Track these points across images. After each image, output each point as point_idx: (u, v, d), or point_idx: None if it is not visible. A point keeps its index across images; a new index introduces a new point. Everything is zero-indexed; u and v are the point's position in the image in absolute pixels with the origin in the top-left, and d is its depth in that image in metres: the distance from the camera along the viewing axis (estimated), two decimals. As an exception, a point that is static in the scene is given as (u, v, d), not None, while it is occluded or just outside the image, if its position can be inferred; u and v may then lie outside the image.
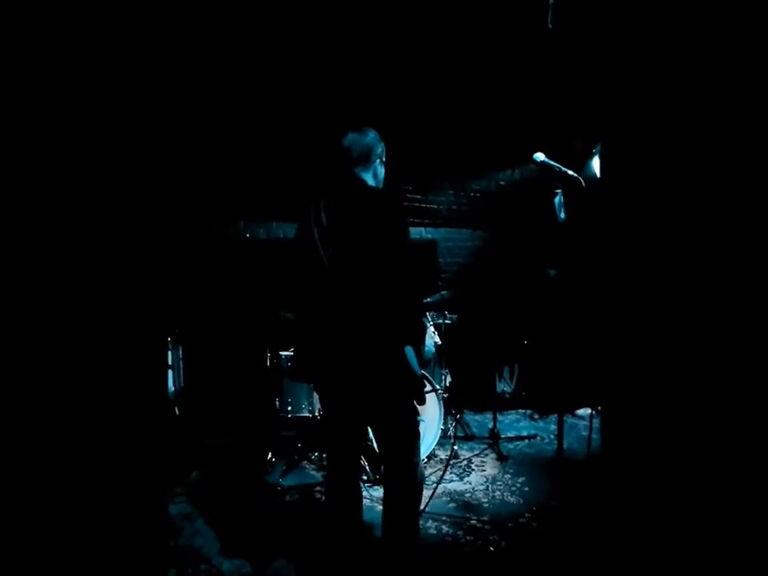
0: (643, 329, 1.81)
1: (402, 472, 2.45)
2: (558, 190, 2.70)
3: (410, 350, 2.31)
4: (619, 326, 1.91)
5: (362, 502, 2.57)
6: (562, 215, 2.68)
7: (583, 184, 2.52)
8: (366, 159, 2.46)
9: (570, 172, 2.62)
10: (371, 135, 2.49)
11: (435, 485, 3.49)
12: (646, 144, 1.76)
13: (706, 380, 1.62)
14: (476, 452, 4.33)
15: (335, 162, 2.52)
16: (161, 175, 1.85)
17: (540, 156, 2.75)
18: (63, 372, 1.52)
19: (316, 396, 4.14)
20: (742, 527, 1.56)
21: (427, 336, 3.98)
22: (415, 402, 2.43)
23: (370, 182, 2.47)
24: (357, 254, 2.29)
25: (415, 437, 2.47)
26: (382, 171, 2.54)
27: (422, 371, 2.66)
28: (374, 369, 2.31)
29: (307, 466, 4.07)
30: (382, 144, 2.53)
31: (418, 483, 2.52)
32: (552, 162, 2.70)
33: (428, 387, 3.92)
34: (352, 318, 2.27)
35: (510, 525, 3.13)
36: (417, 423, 2.49)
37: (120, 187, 1.64)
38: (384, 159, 2.54)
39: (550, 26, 4.33)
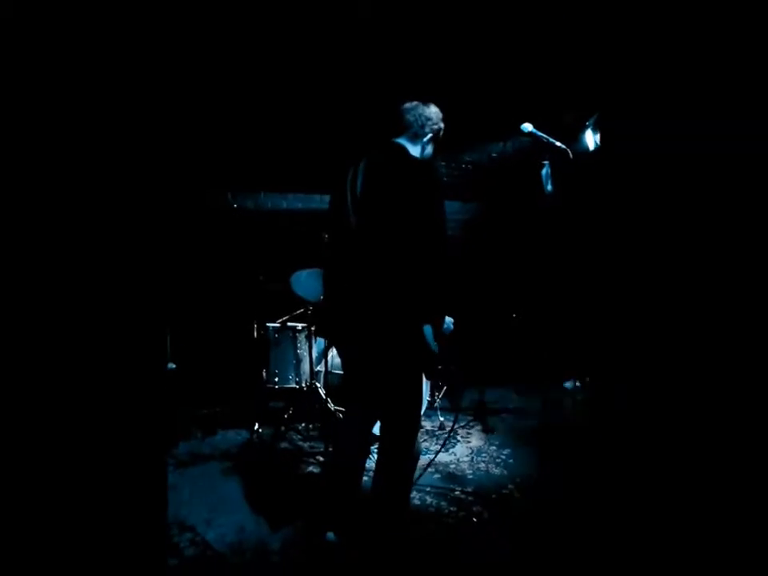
0: (636, 306, 1.80)
1: (403, 440, 2.45)
2: (546, 162, 2.66)
3: (428, 329, 2.28)
4: (613, 304, 1.90)
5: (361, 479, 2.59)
6: (549, 187, 2.65)
7: (571, 155, 2.49)
8: (419, 130, 2.38)
9: (558, 143, 2.58)
10: (434, 110, 2.41)
11: (431, 457, 3.51)
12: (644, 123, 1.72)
13: (696, 358, 1.62)
14: (462, 424, 4.35)
15: (384, 127, 2.45)
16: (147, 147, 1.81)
17: (528, 126, 2.70)
18: (59, 355, 1.51)
19: (303, 367, 4.15)
20: (730, 500, 1.57)
21: None
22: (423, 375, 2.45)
23: (414, 153, 2.38)
24: (386, 223, 2.22)
25: (418, 407, 2.46)
26: (430, 149, 2.45)
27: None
28: (390, 341, 2.29)
29: (294, 437, 4.09)
30: (442, 124, 2.45)
31: (416, 452, 2.55)
32: (539, 133, 2.66)
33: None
34: (374, 289, 2.25)
35: (493, 496, 3.15)
36: (421, 395, 2.48)
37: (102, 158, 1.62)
38: (439, 138, 2.45)
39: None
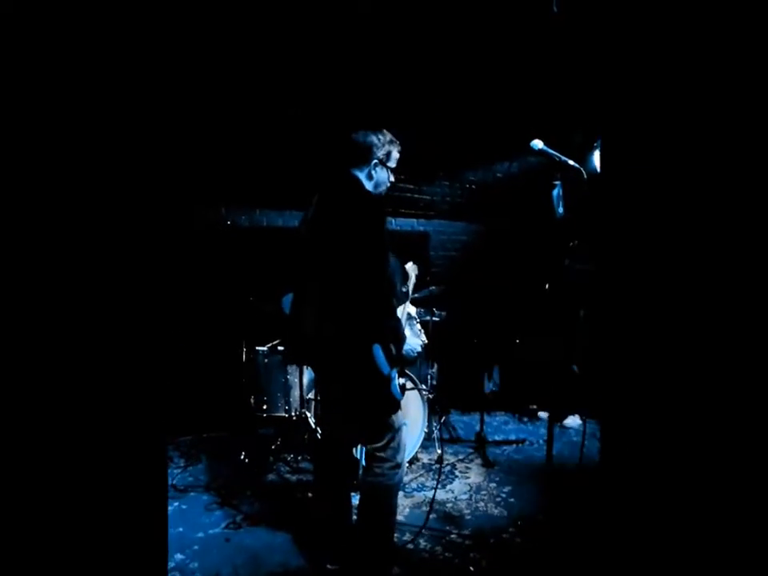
0: (644, 333, 1.66)
1: (370, 470, 2.43)
2: (557, 182, 2.47)
3: (377, 348, 2.31)
4: (620, 330, 1.75)
5: (350, 503, 2.62)
6: (561, 209, 2.46)
7: (584, 175, 2.30)
8: (362, 159, 2.44)
9: (571, 162, 2.39)
10: (374, 136, 2.46)
11: (428, 496, 3.28)
12: (647, 139, 1.60)
13: (707, 387, 1.49)
14: (461, 457, 4.11)
15: (335, 158, 2.59)
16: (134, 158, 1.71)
17: (538, 144, 2.52)
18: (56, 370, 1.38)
19: (293, 394, 3.93)
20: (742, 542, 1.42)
21: (412, 335, 3.78)
22: (389, 400, 2.41)
23: (365, 182, 2.44)
24: (329, 256, 2.35)
25: (386, 434, 2.42)
26: (382, 174, 2.49)
27: (404, 370, 2.63)
28: (339, 367, 2.41)
29: (282, 468, 3.85)
30: (389, 147, 2.48)
31: (387, 486, 2.42)
32: (551, 151, 2.48)
33: (410, 385, 3.72)
34: (318, 318, 2.39)
35: (491, 540, 2.91)
36: (389, 422, 2.44)
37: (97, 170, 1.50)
38: (390, 162, 2.49)
39: (555, 9, 4.09)
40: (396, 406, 2.47)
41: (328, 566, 2.57)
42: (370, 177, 2.45)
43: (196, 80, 4.11)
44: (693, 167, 1.48)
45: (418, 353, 2.62)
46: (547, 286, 4.39)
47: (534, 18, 4.20)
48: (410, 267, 3.52)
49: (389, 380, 2.35)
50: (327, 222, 2.38)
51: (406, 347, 2.50)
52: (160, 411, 1.61)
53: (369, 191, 2.44)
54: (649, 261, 1.61)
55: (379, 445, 2.41)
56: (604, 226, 1.74)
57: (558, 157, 2.45)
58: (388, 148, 2.44)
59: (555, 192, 2.45)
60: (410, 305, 3.53)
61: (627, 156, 1.69)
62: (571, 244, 3.32)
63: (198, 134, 4.32)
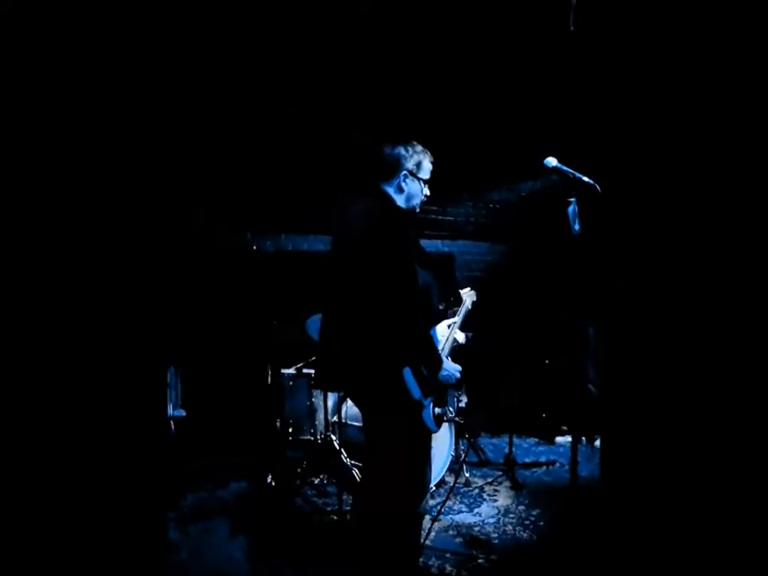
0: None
1: (394, 492, 2.25)
2: (572, 199, 2.44)
3: (407, 372, 2.18)
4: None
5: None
6: (576, 227, 2.42)
7: (599, 191, 2.28)
8: (390, 172, 2.36)
9: (585, 178, 2.36)
10: (401, 148, 2.38)
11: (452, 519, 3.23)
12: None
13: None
14: (489, 479, 4.05)
15: (366, 172, 2.48)
16: (158, 181, 1.75)
17: (552, 161, 2.49)
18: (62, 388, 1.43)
19: (318, 417, 3.93)
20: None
21: (451, 362, 3.72)
22: (419, 428, 2.28)
23: (396, 196, 2.37)
24: (354, 275, 2.26)
25: (406, 477, 2.26)
26: (413, 186, 2.39)
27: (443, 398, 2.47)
28: (365, 391, 2.29)
29: (309, 492, 3.84)
30: (419, 157, 2.39)
31: (408, 516, 2.30)
32: (565, 168, 2.45)
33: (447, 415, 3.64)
34: (343, 340, 2.28)
35: (519, 565, 2.85)
36: (411, 460, 2.28)
37: (116, 193, 1.54)
38: (421, 173, 2.39)
39: (572, 27, 4.10)
40: (425, 435, 2.35)
41: None
42: (400, 190, 2.36)
43: (219, 104, 4.23)
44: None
45: (456, 379, 2.36)
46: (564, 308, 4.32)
47: (555, 34, 4.21)
48: (467, 293, 3.27)
49: (420, 406, 2.22)
50: (352, 238, 2.29)
51: (443, 372, 2.30)
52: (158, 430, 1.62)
53: (396, 205, 2.36)
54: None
55: (391, 478, 2.27)
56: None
57: (572, 174, 2.42)
58: (418, 158, 2.37)
59: (571, 209, 2.41)
60: (458, 330, 3.25)
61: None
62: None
63: (223, 159, 4.43)
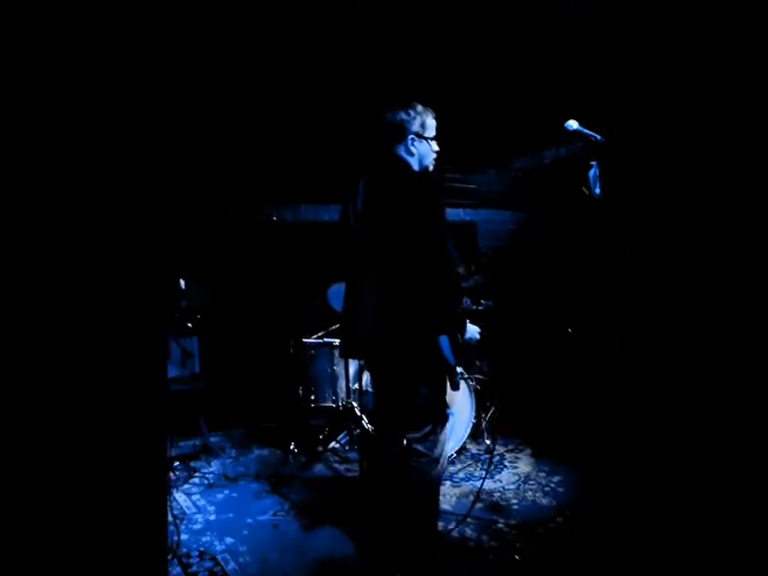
0: None
1: (407, 465, 2.34)
2: (593, 162, 2.39)
3: (444, 339, 2.22)
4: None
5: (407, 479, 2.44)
6: (597, 190, 2.38)
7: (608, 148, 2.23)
8: (399, 137, 2.37)
9: (599, 137, 2.32)
10: (403, 112, 2.38)
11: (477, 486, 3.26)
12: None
13: None
14: (510, 447, 4.06)
15: (375, 140, 2.47)
16: (177, 155, 1.75)
17: (573, 124, 2.44)
18: (62, 361, 1.45)
19: (340, 385, 3.97)
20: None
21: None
22: (448, 387, 2.34)
23: (408, 159, 2.38)
24: (385, 241, 2.24)
25: (428, 425, 2.33)
26: (421, 147, 2.41)
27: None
28: (401, 360, 2.30)
29: (331, 458, 3.91)
30: (422, 117, 2.40)
31: (423, 482, 2.36)
32: (586, 131, 2.40)
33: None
34: (377, 308, 2.27)
35: (539, 530, 2.87)
36: (439, 410, 2.37)
37: (132, 166, 1.55)
38: (427, 132, 2.40)
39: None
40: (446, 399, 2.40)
41: (371, 555, 2.57)
42: (410, 153, 2.38)
43: (239, 89, 4.20)
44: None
45: (477, 340, 2.42)
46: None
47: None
48: None
49: (454, 372, 2.27)
50: (377, 206, 2.30)
51: (467, 335, 2.35)
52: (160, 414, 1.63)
53: (411, 169, 2.37)
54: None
55: (418, 435, 2.34)
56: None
57: (594, 137, 2.37)
58: (421, 119, 2.37)
59: (592, 173, 2.36)
60: None
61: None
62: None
63: (242, 136, 4.41)
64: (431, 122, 2.41)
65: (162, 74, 1.62)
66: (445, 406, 2.41)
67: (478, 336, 2.45)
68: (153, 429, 1.63)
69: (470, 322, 3.92)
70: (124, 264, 1.55)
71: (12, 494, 1.38)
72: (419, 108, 2.39)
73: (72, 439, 1.46)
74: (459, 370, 2.47)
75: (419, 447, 2.34)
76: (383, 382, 2.53)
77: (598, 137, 2.34)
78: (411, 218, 2.18)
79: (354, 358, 3.73)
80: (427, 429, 2.34)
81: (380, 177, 2.38)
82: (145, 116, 1.56)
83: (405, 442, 2.40)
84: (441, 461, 2.42)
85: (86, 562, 1.48)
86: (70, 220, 1.44)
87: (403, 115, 2.36)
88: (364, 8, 3.92)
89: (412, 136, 2.35)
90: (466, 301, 4.41)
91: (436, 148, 2.44)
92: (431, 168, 2.46)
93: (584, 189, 2.21)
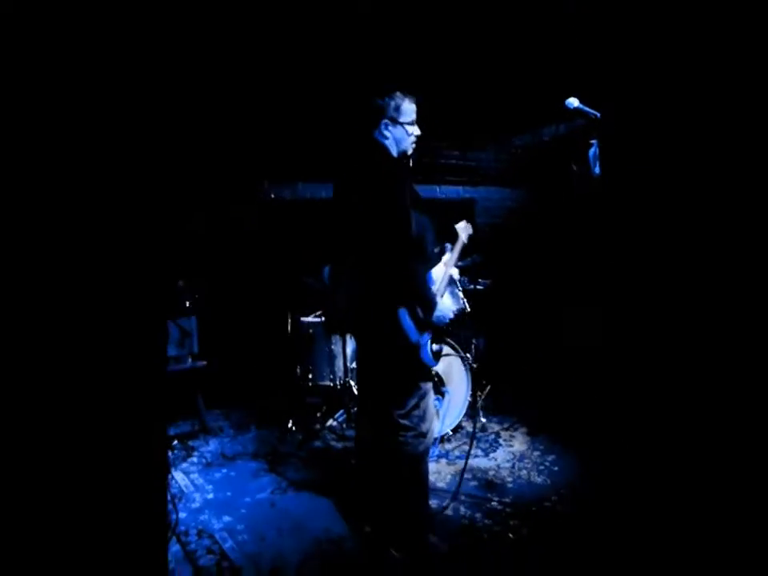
0: None
1: (394, 439, 2.41)
2: (593, 141, 2.36)
3: (403, 313, 2.31)
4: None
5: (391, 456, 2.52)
6: (597, 169, 2.35)
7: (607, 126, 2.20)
8: (375, 120, 2.45)
9: (597, 114, 2.28)
10: (378, 99, 2.46)
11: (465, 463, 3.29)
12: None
13: None
14: (505, 425, 4.09)
15: (356, 125, 2.57)
16: (170, 131, 1.73)
17: (574, 102, 2.40)
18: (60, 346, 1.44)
19: (338, 364, 3.98)
20: None
21: (453, 301, 3.73)
22: (417, 366, 2.41)
23: (385, 142, 2.46)
24: (357, 223, 2.37)
25: (410, 400, 2.41)
26: (396, 131, 2.47)
27: (442, 336, 2.62)
28: (368, 333, 2.49)
29: (328, 436, 3.93)
30: (396, 101, 2.45)
31: (410, 455, 2.42)
32: (587, 109, 2.36)
33: (447, 351, 3.69)
34: (350, 287, 2.44)
35: (533, 508, 2.90)
36: (414, 387, 2.43)
37: (127, 147, 1.53)
38: (402, 117, 2.45)
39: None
40: (425, 373, 2.46)
41: (366, 529, 2.62)
42: (384, 137, 2.45)
43: (233, 67, 4.12)
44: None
45: (450, 319, 2.54)
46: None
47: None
48: (462, 227, 3.21)
49: (417, 346, 2.34)
50: (351, 188, 2.43)
51: (437, 313, 2.44)
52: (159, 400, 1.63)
53: (388, 153, 2.45)
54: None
55: (402, 411, 2.41)
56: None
57: (594, 115, 2.33)
58: (395, 103, 2.43)
59: (592, 151, 2.34)
60: (453, 268, 3.20)
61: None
62: None
63: (239, 113, 4.34)
64: (407, 107, 2.45)
65: (153, 63, 1.59)
66: (424, 380, 2.46)
67: (451, 315, 2.55)
68: (152, 410, 1.63)
69: (468, 301, 3.94)
70: (124, 249, 1.54)
71: (14, 474, 1.38)
72: (397, 94, 2.45)
73: (72, 421, 1.46)
74: (441, 348, 2.51)
75: (405, 422, 2.42)
76: (362, 359, 2.66)
77: (598, 114, 2.30)
78: (372, 203, 2.31)
79: (334, 332, 3.93)
80: (411, 404, 2.42)
81: (355, 162, 2.48)
82: (138, 100, 1.54)
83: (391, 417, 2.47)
84: (428, 435, 2.48)
85: (87, 542, 1.49)
86: (67, 204, 1.43)
87: (378, 101, 2.44)
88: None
89: (386, 121, 2.42)
90: (464, 279, 4.39)
91: (416, 132, 2.48)
92: (410, 152, 2.51)
93: (573, 166, 2.20)
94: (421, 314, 2.33)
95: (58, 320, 1.41)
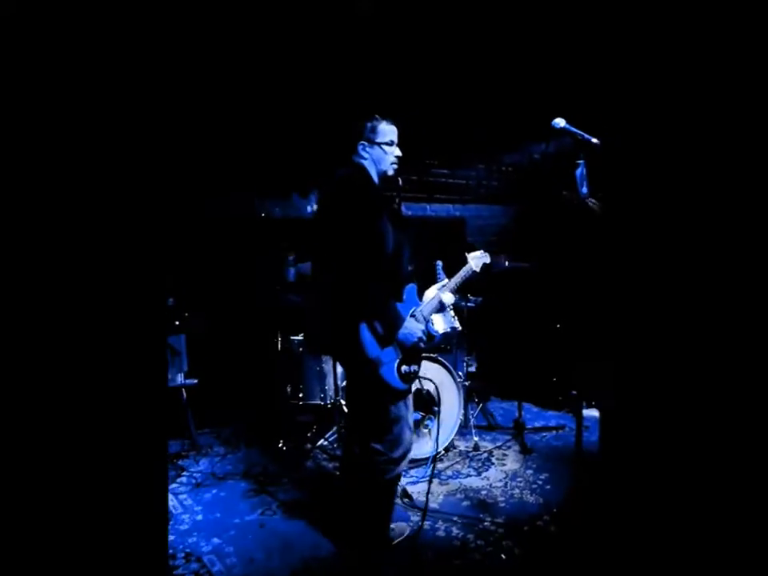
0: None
1: (363, 463, 2.44)
2: (580, 161, 2.38)
3: (363, 328, 2.33)
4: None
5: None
6: (584, 189, 2.37)
7: (601, 148, 2.22)
8: (353, 142, 2.53)
9: (594, 140, 2.30)
10: (357, 123, 2.54)
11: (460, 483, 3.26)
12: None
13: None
14: (498, 444, 4.07)
15: (340, 146, 2.63)
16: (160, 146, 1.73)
17: (560, 122, 2.43)
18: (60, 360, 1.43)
19: (328, 382, 3.96)
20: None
21: (445, 322, 3.73)
22: (378, 385, 2.40)
23: (364, 163, 2.53)
24: (325, 241, 2.45)
25: (378, 423, 2.43)
26: (373, 152, 2.53)
27: (416, 357, 2.59)
28: (332, 349, 2.67)
29: (319, 455, 3.89)
30: (374, 124, 2.52)
31: (378, 482, 2.43)
32: (573, 129, 2.39)
33: (438, 370, 3.68)
34: (319, 303, 2.60)
35: (525, 528, 2.88)
36: (382, 410, 2.43)
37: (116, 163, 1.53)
38: (379, 138, 2.51)
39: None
40: (394, 395, 2.44)
41: (345, 551, 2.63)
42: (363, 158, 2.52)
43: (226, 80, 4.16)
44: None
45: (418, 338, 2.45)
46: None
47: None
48: (476, 256, 3.11)
49: (377, 362, 2.34)
50: (322, 209, 2.59)
51: (402, 331, 2.40)
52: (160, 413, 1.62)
53: (365, 173, 2.51)
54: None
55: (375, 435, 2.42)
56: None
57: (581, 135, 2.36)
58: (372, 125, 2.50)
59: (579, 171, 2.36)
60: (447, 293, 3.05)
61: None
62: None
63: (229, 128, 4.36)
64: (384, 128, 2.51)
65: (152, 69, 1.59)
66: (393, 403, 2.45)
67: (419, 334, 2.47)
68: (154, 428, 1.63)
69: (456, 319, 3.94)
70: (125, 264, 1.54)
71: (16, 491, 1.37)
72: (375, 117, 2.53)
73: (75, 437, 1.45)
74: (414, 369, 2.52)
75: (377, 446, 2.42)
76: (346, 381, 2.78)
77: (585, 135, 2.33)
78: (332, 222, 2.40)
79: (311, 352, 3.97)
80: (382, 427, 2.42)
81: (328, 182, 2.54)
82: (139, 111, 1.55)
83: (359, 437, 2.51)
84: (400, 462, 2.48)
85: (87, 562, 1.47)
86: (68, 220, 1.43)
87: (357, 125, 2.53)
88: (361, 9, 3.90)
89: (363, 142, 2.50)
90: (456, 297, 4.39)
91: (396, 153, 2.54)
92: (390, 172, 2.56)
93: (565, 193, 2.22)
94: (380, 329, 2.35)
95: (66, 337, 1.41)
